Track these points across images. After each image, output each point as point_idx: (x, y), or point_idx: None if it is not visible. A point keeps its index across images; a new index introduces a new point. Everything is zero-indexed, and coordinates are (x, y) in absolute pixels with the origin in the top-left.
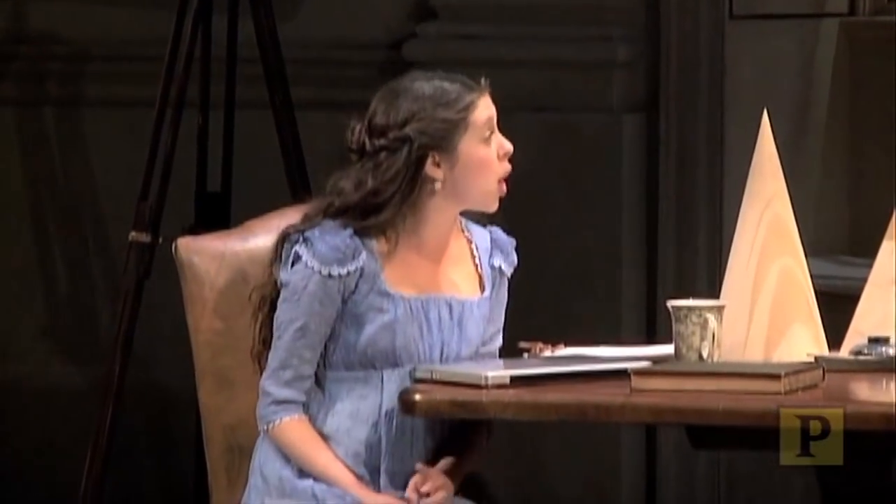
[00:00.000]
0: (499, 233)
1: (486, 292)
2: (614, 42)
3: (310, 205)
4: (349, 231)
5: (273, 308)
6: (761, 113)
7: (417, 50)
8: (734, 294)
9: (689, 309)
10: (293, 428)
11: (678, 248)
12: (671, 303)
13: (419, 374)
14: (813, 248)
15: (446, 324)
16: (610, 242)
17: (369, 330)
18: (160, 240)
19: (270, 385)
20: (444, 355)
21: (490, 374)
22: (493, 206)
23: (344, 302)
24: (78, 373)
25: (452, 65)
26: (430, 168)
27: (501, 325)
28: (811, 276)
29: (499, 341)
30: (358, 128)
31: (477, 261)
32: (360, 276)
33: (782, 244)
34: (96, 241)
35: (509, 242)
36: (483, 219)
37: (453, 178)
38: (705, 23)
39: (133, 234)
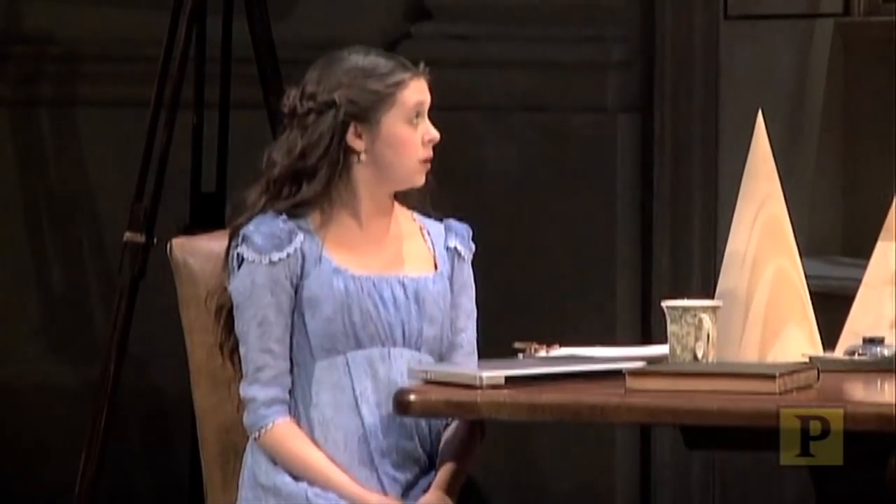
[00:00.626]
0: (453, 222)
1: (441, 269)
2: (609, 42)
3: (250, 189)
4: (282, 217)
5: (230, 315)
6: (756, 113)
7: (412, 50)
8: (729, 294)
9: (684, 309)
10: (283, 432)
11: (673, 249)
12: (666, 303)
13: (414, 374)
14: (807, 248)
15: (402, 302)
16: (604, 243)
17: (325, 310)
18: (155, 240)
19: (251, 390)
20: (407, 334)
21: (485, 374)
22: (417, 183)
23: (295, 290)
24: (73, 373)
25: (447, 65)
26: (351, 138)
27: (472, 314)
28: (806, 276)
29: (471, 332)
30: (292, 94)
31: (429, 243)
32: (303, 258)
33: (777, 245)
34: (91, 242)
35: (465, 228)
36: (442, 212)
37: (374, 151)
38: (700, 23)
39: (128, 235)
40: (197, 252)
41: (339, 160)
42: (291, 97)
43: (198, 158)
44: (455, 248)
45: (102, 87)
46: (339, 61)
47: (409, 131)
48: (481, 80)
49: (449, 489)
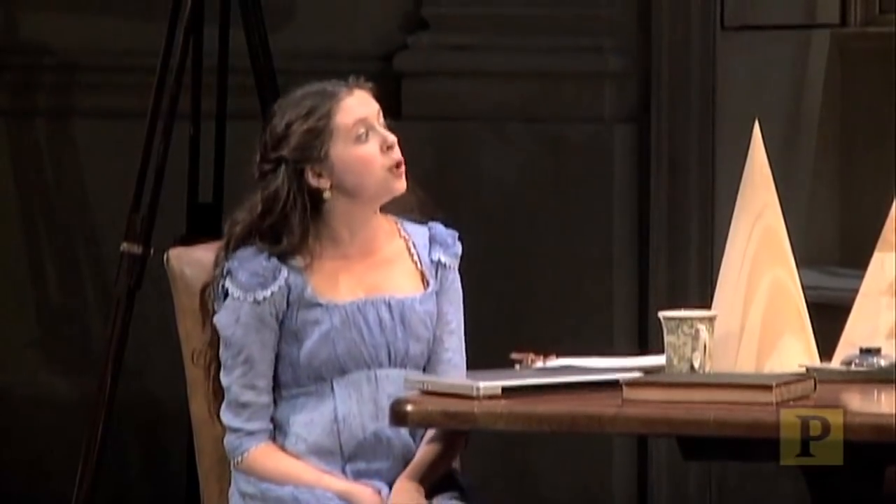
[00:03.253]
0: (438, 227)
1: (430, 287)
2: (606, 52)
3: (216, 253)
4: (265, 255)
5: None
6: (752, 123)
7: (409, 61)
8: (726, 305)
9: (681, 320)
10: (264, 455)
11: (670, 259)
12: (663, 313)
13: (410, 386)
14: (804, 258)
15: (388, 324)
16: (601, 253)
17: (309, 345)
18: (152, 251)
19: (235, 421)
20: (392, 356)
21: (482, 384)
22: (396, 193)
23: (280, 323)
24: (69, 383)
25: (443, 75)
26: (312, 180)
27: (459, 322)
28: (802, 286)
29: (456, 344)
30: (257, 157)
31: (416, 258)
32: (288, 293)
33: (774, 255)
34: (88, 252)
35: (449, 234)
36: (425, 215)
37: (339, 182)
38: (696, 34)
39: (125, 245)
40: (194, 262)
41: (305, 205)
42: (255, 165)
43: (194, 169)
44: (439, 261)
45: (99, 97)
46: (278, 111)
47: (361, 149)
48: (478, 90)
49: (420, 478)
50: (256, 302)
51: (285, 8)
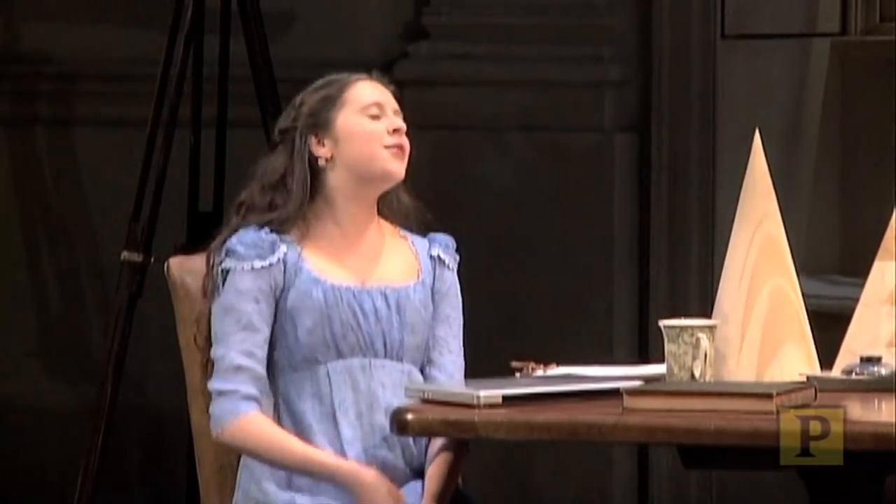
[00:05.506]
0: (438, 234)
1: (423, 277)
2: (606, 61)
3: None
4: (265, 229)
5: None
6: (753, 132)
7: (409, 69)
8: (726, 313)
9: (682, 328)
10: (258, 421)
11: (670, 268)
12: (663, 322)
13: (410, 394)
14: (805, 267)
15: (384, 313)
16: (602, 262)
17: (304, 321)
18: (152, 259)
19: (224, 383)
20: (388, 345)
21: (482, 393)
22: (393, 175)
23: (276, 302)
24: (70, 392)
25: (443, 84)
26: (314, 147)
27: (459, 325)
28: (803, 295)
29: (457, 345)
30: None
31: (414, 252)
32: (285, 268)
33: (774, 264)
34: (88, 261)
35: (449, 239)
36: (425, 229)
37: (339, 152)
38: (697, 42)
39: (125, 254)
40: (194, 271)
41: (305, 174)
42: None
43: (195, 177)
44: (438, 257)
45: (99, 106)
46: (298, 96)
47: (366, 123)
48: (478, 99)
49: (441, 501)
50: (254, 269)
51: (286, 17)
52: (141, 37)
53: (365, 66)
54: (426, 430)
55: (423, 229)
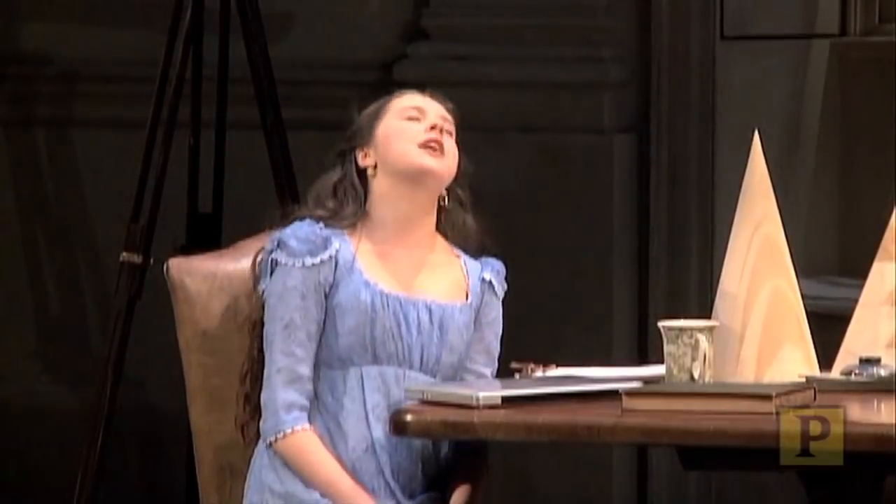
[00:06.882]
0: (491, 259)
1: (471, 300)
2: (605, 63)
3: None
4: (320, 224)
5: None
6: (752, 133)
7: (408, 71)
8: (725, 315)
9: (681, 329)
10: (303, 441)
11: (669, 269)
12: (662, 323)
13: (410, 395)
14: (804, 268)
15: (426, 327)
16: (601, 263)
17: (348, 320)
18: (151, 261)
19: (267, 392)
20: (424, 359)
21: (481, 394)
22: (426, 169)
23: (326, 297)
24: (69, 393)
25: (443, 85)
26: (361, 159)
27: (494, 350)
28: (802, 296)
29: (491, 367)
30: None
31: (465, 272)
32: (337, 265)
33: (773, 265)
34: (87, 262)
35: (500, 265)
36: (481, 252)
37: (380, 157)
38: (696, 44)
39: (124, 255)
40: (193, 272)
41: (356, 187)
42: None
43: (194, 179)
44: (490, 282)
45: (99, 107)
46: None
47: (402, 123)
48: (478, 100)
49: None
50: (305, 266)
51: (285, 17)
52: (140, 38)
53: (365, 67)
54: (425, 431)
55: (478, 253)
